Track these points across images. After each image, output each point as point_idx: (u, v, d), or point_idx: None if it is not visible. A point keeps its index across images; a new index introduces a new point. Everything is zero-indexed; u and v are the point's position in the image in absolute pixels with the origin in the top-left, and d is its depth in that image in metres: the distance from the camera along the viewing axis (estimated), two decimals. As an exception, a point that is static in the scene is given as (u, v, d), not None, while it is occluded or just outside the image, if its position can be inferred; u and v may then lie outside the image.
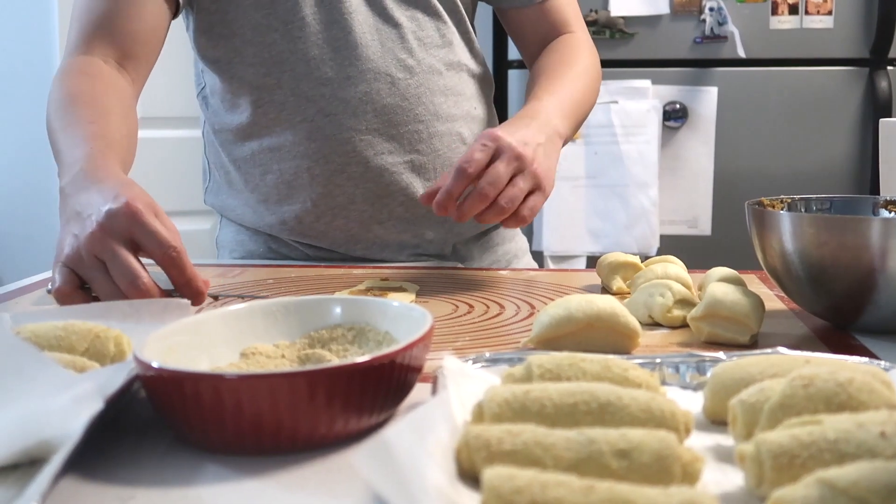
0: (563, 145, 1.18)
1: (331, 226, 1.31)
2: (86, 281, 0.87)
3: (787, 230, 0.87)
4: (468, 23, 1.37)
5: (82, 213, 0.88)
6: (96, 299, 0.86)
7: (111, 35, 1.17)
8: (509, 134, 1.06)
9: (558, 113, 1.18)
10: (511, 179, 1.04)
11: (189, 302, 0.83)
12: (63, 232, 0.90)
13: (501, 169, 1.03)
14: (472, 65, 1.37)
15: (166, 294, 0.86)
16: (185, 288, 0.87)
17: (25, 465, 0.55)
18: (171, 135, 2.58)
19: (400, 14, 1.28)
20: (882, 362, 0.69)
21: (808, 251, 0.85)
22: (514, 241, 1.46)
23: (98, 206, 0.87)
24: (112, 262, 0.85)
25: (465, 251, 1.39)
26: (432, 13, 1.31)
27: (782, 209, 0.93)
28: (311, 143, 1.27)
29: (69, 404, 0.54)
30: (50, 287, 0.89)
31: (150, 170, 2.60)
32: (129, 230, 0.85)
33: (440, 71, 1.31)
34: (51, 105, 1.10)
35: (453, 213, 1.04)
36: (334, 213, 1.30)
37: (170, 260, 0.86)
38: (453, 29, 1.34)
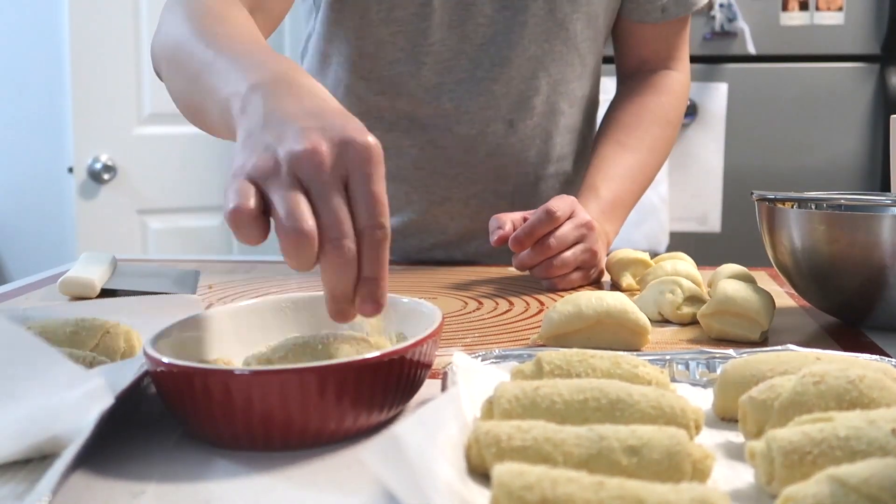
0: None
1: (420, 242, 1.31)
2: (269, 202, 0.60)
3: (797, 227, 0.87)
4: (600, 54, 1.31)
5: (290, 123, 0.62)
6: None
7: None
8: (561, 208, 1.07)
9: (611, 217, 1.20)
10: (572, 246, 1.07)
11: (199, 298, 0.83)
12: (250, 139, 0.63)
13: (569, 231, 1.06)
14: (590, 92, 1.32)
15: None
16: (363, 284, 0.60)
17: (36, 461, 0.55)
18: (182, 131, 2.58)
19: (536, 48, 1.23)
20: (893, 360, 0.69)
21: (819, 248, 0.85)
22: None
23: (324, 119, 0.63)
24: (321, 197, 0.59)
25: None
26: (571, 46, 1.25)
27: (792, 206, 0.93)
28: (416, 171, 1.27)
29: (80, 400, 0.54)
30: (229, 206, 0.59)
31: (162, 166, 2.61)
32: (356, 171, 0.60)
33: (562, 110, 1.28)
34: (177, 21, 0.91)
35: (520, 256, 1.07)
36: (424, 237, 1.30)
37: (372, 240, 0.60)
38: (588, 60, 1.28)
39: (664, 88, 1.32)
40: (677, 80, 1.34)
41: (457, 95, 1.23)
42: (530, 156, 1.27)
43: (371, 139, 0.61)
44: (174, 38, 0.90)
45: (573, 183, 1.33)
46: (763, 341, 0.84)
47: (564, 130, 1.29)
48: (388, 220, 0.60)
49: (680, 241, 2.44)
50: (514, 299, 1.03)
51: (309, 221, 0.57)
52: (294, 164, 0.59)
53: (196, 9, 0.91)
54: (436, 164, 1.25)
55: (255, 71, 0.71)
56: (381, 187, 0.61)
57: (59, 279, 1.01)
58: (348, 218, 0.59)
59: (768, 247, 0.92)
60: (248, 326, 0.71)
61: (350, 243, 0.58)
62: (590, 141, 1.36)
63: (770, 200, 0.93)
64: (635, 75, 1.35)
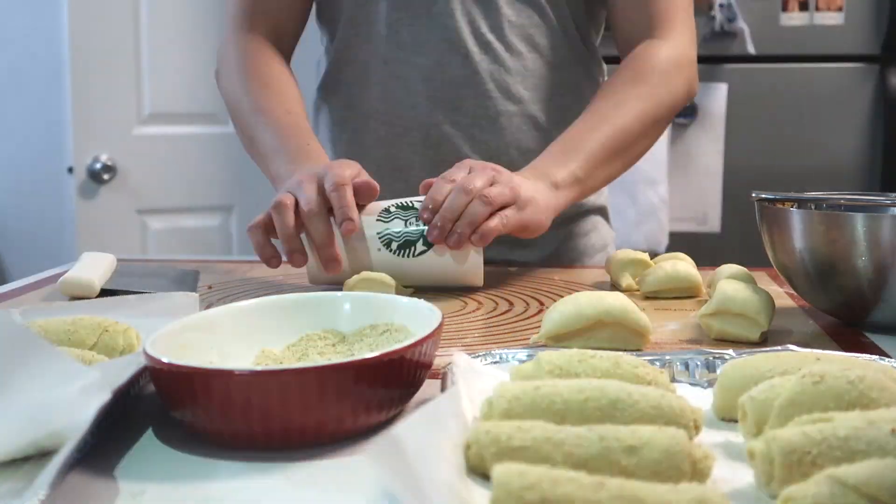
0: (573, 198, 1.12)
1: (390, 189, 1.30)
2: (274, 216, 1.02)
3: (796, 227, 0.87)
4: (566, 9, 1.30)
5: (296, 176, 1.05)
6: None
7: (265, 16, 1.32)
8: (466, 168, 1.04)
9: (559, 163, 1.12)
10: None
11: (197, 296, 0.84)
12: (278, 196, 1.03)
13: (475, 178, 1.01)
14: (562, 50, 1.32)
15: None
16: (340, 220, 0.99)
17: (35, 458, 0.55)
18: (182, 131, 2.58)
19: None
20: (893, 360, 0.69)
21: (819, 248, 0.85)
22: (594, 234, 1.41)
23: (312, 169, 1.04)
24: (300, 195, 1.01)
25: (536, 239, 1.19)
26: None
27: (792, 206, 0.93)
28: (380, 105, 1.31)
29: (78, 395, 0.54)
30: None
31: (162, 166, 2.61)
32: (322, 176, 1.01)
33: (519, 51, 1.29)
34: (234, 80, 1.27)
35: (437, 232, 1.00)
36: (394, 177, 1.31)
37: (334, 187, 1.00)
38: (549, 12, 1.30)
39: (638, 60, 1.24)
40: (656, 47, 1.24)
41: (414, 30, 1.28)
42: (488, 90, 1.28)
43: (332, 163, 1.04)
44: (233, 98, 1.27)
45: (542, 130, 1.31)
46: (763, 341, 0.84)
47: (524, 72, 1.29)
48: (355, 214, 0.99)
49: (680, 242, 2.44)
50: (514, 299, 1.03)
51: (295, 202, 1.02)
52: (292, 185, 1.04)
53: (247, 67, 1.28)
54: (397, 94, 1.29)
55: (278, 158, 1.15)
56: (346, 175, 1.01)
57: (59, 279, 1.01)
58: (320, 198, 1.01)
59: (768, 247, 0.92)
60: (248, 326, 0.71)
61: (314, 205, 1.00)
62: (575, 98, 1.33)
63: (770, 201, 0.93)
64: (625, 57, 1.29)
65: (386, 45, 1.29)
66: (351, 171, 1.03)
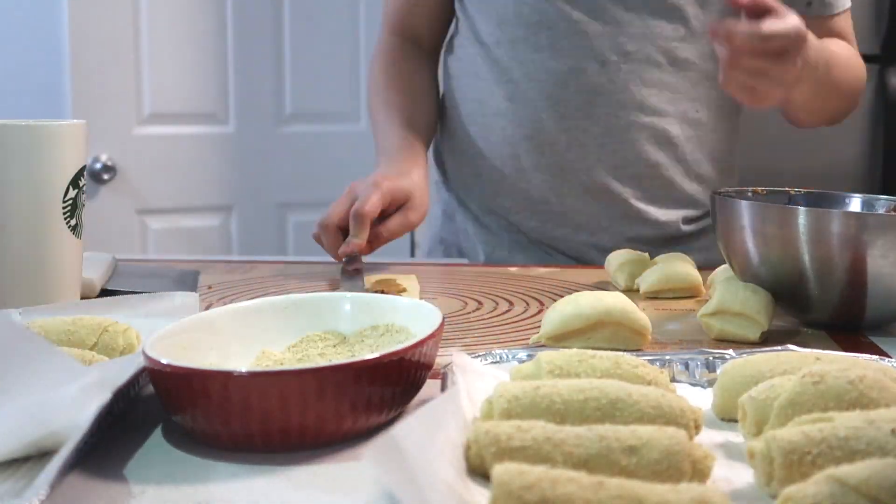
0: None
1: (514, 188, 1.35)
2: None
3: (752, 251, 0.88)
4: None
5: (360, 181, 1.20)
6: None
7: (407, 18, 1.44)
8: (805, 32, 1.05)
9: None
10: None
11: (197, 297, 0.84)
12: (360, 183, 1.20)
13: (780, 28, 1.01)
14: (706, 66, 1.32)
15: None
16: (349, 240, 1.12)
17: (35, 458, 0.55)
18: (182, 131, 2.58)
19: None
20: (893, 360, 0.69)
21: (777, 268, 0.86)
22: (711, 252, 1.36)
23: (370, 178, 1.19)
24: (333, 205, 1.17)
25: (657, 251, 1.21)
26: (674, 9, 1.29)
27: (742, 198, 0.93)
28: (509, 104, 1.32)
29: (77, 395, 0.54)
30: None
31: (162, 166, 2.60)
32: (360, 194, 1.15)
33: (658, 63, 1.29)
34: (371, 82, 1.43)
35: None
36: (517, 177, 1.34)
37: (354, 214, 1.12)
38: (696, 28, 1.29)
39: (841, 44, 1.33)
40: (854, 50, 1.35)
41: (552, 35, 1.29)
42: (622, 100, 1.29)
43: (374, 179, 1.19)
44: (371, 92, 1.43)
45: (670, 144, 1.32)
46: (763, 341, 0.84)
47: (661, 86, 1.30)
48: (373, 211, 1.13)
49: (680, 242, 2.43)
50: (514, 299, 1.03)
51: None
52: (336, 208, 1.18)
53: (381, 71, 1.43)
54: (530, 95, 1.31)
55: (382, 155, 1.30)
56: (371, 194, 1.15)
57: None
58: (339, 215, 1.16)
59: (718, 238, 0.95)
60: (248, 326, 0.71)
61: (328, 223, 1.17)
62: (714, 115, 1.35)
63: (730, 196, 0.93)
64: None
65: (524, 46, 1.30)
66: (380, 197, 1.15)
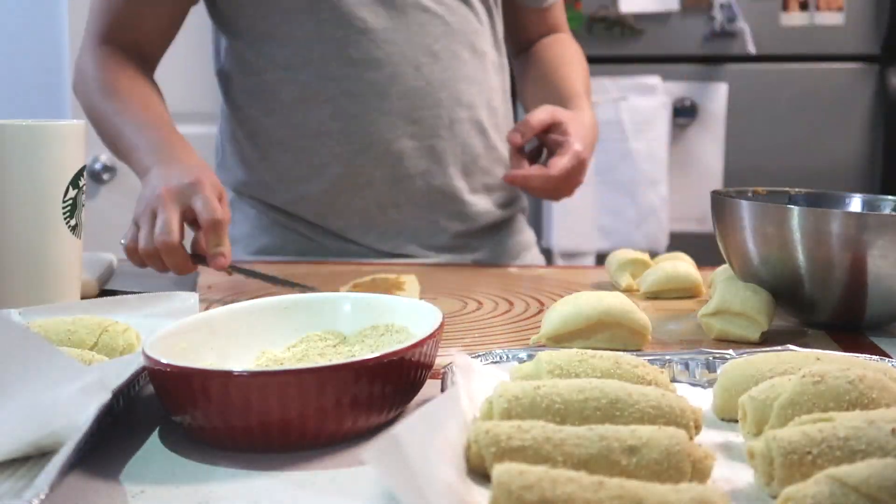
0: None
1: (348, 206, 1.31)
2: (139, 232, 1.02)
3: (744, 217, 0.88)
4: (496, 12, 1.38)
5: (159, 184, 1.03)
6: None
7: (129, 31, 1.29)
8: (584, 146, 1.21)
9: (594, 126, 1.30)
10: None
11: (197, 297, 0.84)
12: (141, 196, 1.06)
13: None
14: (494, 55, 1.37)
15: (193, 258, 1.02)
16: (214, 253, 1.01)
17: (36, 458, 0.55)
18: (181, 131, 2.58)
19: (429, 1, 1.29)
20: (893, 360, 0.69)
21: (777, 274, 0.86)
22: (522, 234, 1.46)
23: (175, 178, 1.04)
24: (160, 216, 1.00)
25: (477, 242, 1.38)
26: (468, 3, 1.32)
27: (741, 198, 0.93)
28: (333, 123, 1.29)
29: (77, 395, 0.54)
30: (122, 241, 1.05)
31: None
32: (189, 197, 1.01)
33: (464, 58, 1.31)
34: (90, 89, 1.26)
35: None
36: (352, 193, 1.31)
37: (211, 224, 1.00)
38: (483, 17, 1.35)
39: (567, 40, 1.48)
40: (570, 38, 1.50)
41: (362, 46, 1.26)
42: (441, 99, 1.29)
43: (195, 176, 1.04)
44: (93, 108, 1.26)
45: (483, 134, 1.35)
46: (763, 341, 0.84)
47: (470, 80, 1.32)
48: (225, 216, 1.02)
49: (680, 241, 2.44)
50: (514, 299, 1.03)
51: (150, 236, 1.02)
52: (149, 204, 1.03)
53: (103, 75, 1.26)
54: (352, 111, 1.28)
55: (145, 153, 1.15)
56: (212, 197, 1.02)
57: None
58: (177, 225, 1.00)
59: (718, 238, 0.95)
60: (248, 326, 0.71)
61: (172, 238, 1.00)
62: (504, 98, 1.41)
63: (729, 196, 0.93)
64: (533, 45, 1.47)
65: (336, 62, 1.27)
66: (216, 196, 1.03)
